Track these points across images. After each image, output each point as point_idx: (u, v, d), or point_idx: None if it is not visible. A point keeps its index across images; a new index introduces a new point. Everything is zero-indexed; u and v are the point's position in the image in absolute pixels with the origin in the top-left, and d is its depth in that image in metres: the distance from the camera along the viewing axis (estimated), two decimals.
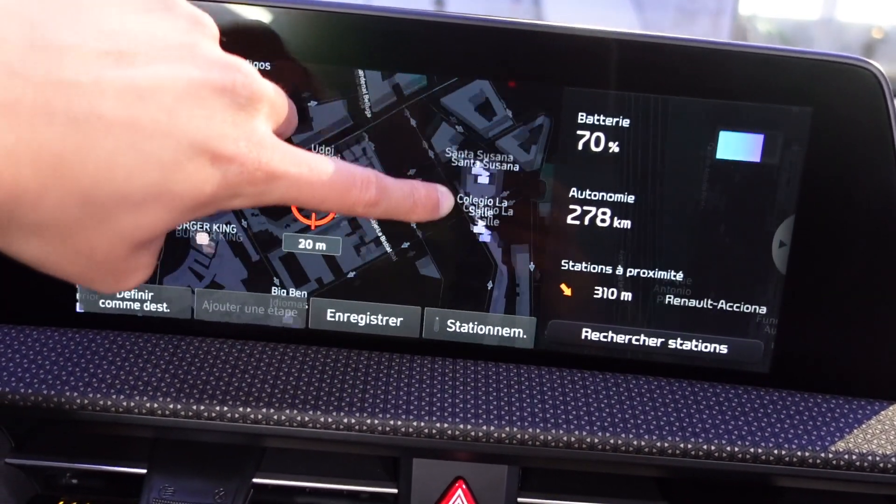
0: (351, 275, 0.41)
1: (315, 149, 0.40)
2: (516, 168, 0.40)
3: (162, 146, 0.25)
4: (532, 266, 0.41)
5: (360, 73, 0.39)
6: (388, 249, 0.41)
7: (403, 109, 0.40)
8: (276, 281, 0.41)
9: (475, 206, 0.40)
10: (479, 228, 0.41)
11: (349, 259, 0.41)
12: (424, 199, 0.34)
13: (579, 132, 0.40)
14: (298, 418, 0.38)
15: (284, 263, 0.41)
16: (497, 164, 0.40)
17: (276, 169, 0.28)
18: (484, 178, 0.40)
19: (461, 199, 0.40)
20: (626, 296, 0.41)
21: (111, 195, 0.25)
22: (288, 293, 0.42)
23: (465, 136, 0.40)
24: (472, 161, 0.40)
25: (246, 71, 0.28)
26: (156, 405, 0.38)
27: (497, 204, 0.40)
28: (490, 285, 0.41)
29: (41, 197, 0.24)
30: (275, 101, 0.29)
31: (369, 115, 0.40)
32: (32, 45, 0.23)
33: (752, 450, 0.38)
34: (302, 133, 0.40)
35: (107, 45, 0.25)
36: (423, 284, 0.41)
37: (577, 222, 0.41)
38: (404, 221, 0.33)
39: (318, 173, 0.29)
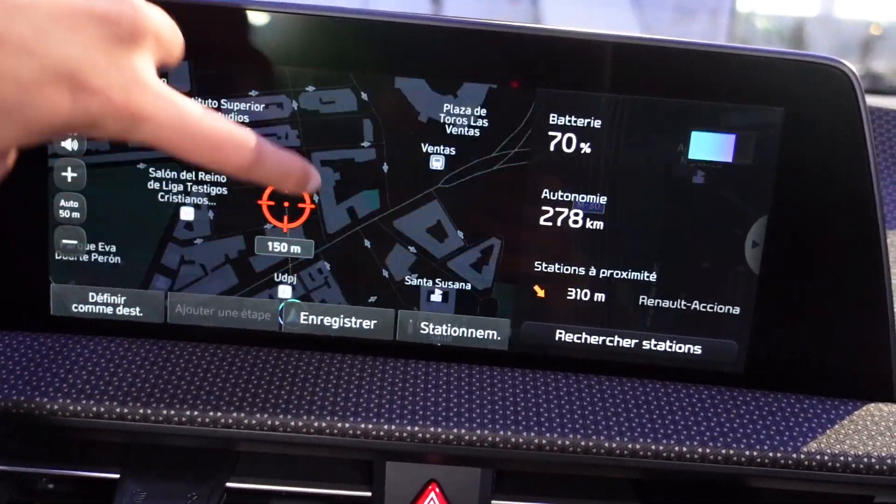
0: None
1: (277, 276, 0.41)
2: (468, 287, 0.41)
3: (23, 65, 0.24)
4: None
5: (316, 198, 0.40)
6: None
7: (358, 232, 0.40)
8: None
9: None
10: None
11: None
12: (298, 171, 0.32)
13: (551, 133, 0.40)
14: (269, 422, 0.38)
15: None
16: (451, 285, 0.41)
17: (144, 110, 0.27)
18: (437, 298, 0.41)
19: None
20: (600, 297, 0.41)
21: None
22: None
23: (417, 258, 0.40)
24: (428, 283, 0.41)
25: (135, 4, 0.27)
26: (126, 410, 0.38)
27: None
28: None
29: None
30: (161, 35, 0.28)
31: (324, 238, 0.40)
32: None
33: (723, 451, 0.38)
34: None
35: None
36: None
37: (550, 223, 0.41)
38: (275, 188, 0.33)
39: (189, 122, 0.28)
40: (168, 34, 0.29)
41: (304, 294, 0.41)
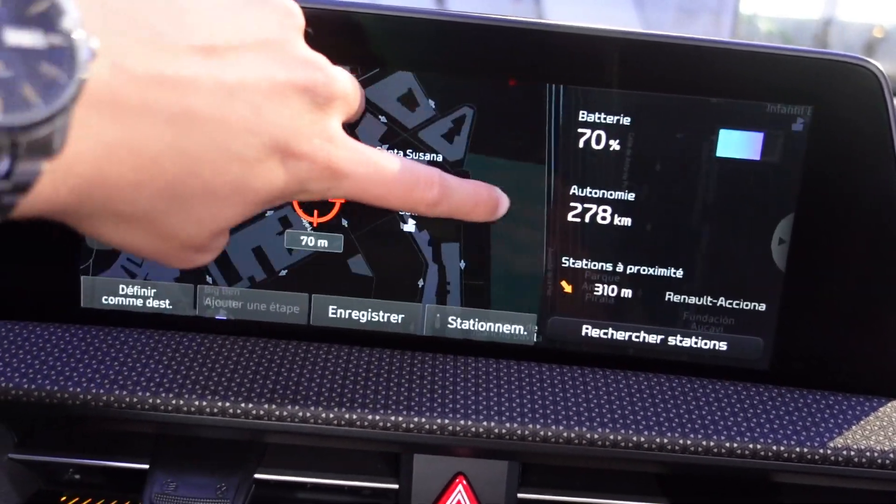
0: (282, 273, 0.42)
1: None
2: (439, 159, 0.40)
3: (246, 144, 0.26)
4: (463, 264, 0.41)
5: None
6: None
7: None
8: (209, 279, 0.42)
9: None
10: (409, 227, 0.41)
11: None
12: (486, 199, 0.35)
13: (580, 130, 0.40)
14: (300, 414, 0.38)
15: (216, 260, 0.41)
16: (421, 157, 0.40)
17: (343, 167, 0.29)
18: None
19: None
20: (627, 293, 0.42)
21: (197, 190, 0.26)
22: (220, 290, 0.42)
23: (388, 128, 0.40)
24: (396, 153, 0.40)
25: (327, 70, 0.29)
26: (158, 401, 0.38)
27: None
28: (421, 283, 0.42)
29: (136, 191, 0.25)
30: (349, 96, 0.30)
31: None
32: (136, 40, 0.24)
33: (750, 446, 0.38)
34: None
35: (203, 40, 0.25)
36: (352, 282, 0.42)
37: (578, 220, 0.41)
38: (463, 220, 0.35)
39: (382, 173, 0.30)
40: (353, 94, 0.31)
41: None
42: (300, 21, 0.29)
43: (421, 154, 0.40)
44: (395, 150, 0.40)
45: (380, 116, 0.39)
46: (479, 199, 0.35)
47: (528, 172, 0.40)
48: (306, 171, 0.28)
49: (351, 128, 0.39)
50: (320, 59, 0.29)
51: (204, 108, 0.25)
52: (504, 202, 0.36)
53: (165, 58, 0.24)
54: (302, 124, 0.27)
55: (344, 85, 0.30)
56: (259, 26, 0.27)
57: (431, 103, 0.40)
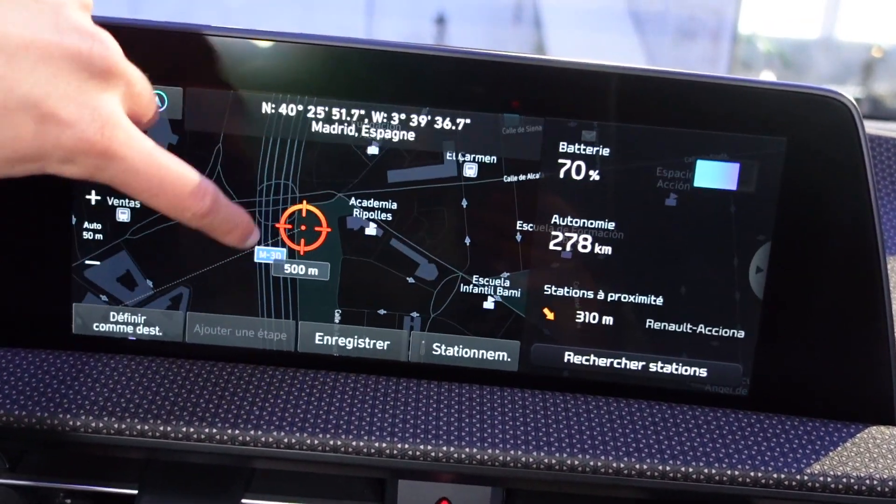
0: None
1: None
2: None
3: None
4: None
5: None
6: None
7: None
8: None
9: None
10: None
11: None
12: (245, 226, 0.34)
13: (560, 161, 0.41)
14: (286, 440, 0.39)
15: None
16: None
17: (115, 149, 0.27)
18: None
19: None
20: (608, 320, 0.42)
21: None
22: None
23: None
24: None
25: (107, 44, 0.28)
26: (146, 427, 0.39)
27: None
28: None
29: None
30: (134, 83, 0.29)
31: None
32: None
33: (728, 472, 0.38)
34: None
35: None
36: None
37: (560, 248, 0.42)
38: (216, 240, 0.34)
39: (157, 166, 0.29)
40: (140, 85, 0.30)
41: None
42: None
43: None
44: None
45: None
46: (237, 224, 0.33)
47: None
48: (71, 139, 0.26)
49: None
50: (104, 34, 0.28)
51: None
52: (256, 234, 0.35)
53: None
54: (68, 88, 0.26)
55: (128, 70, 0.28)
56: None
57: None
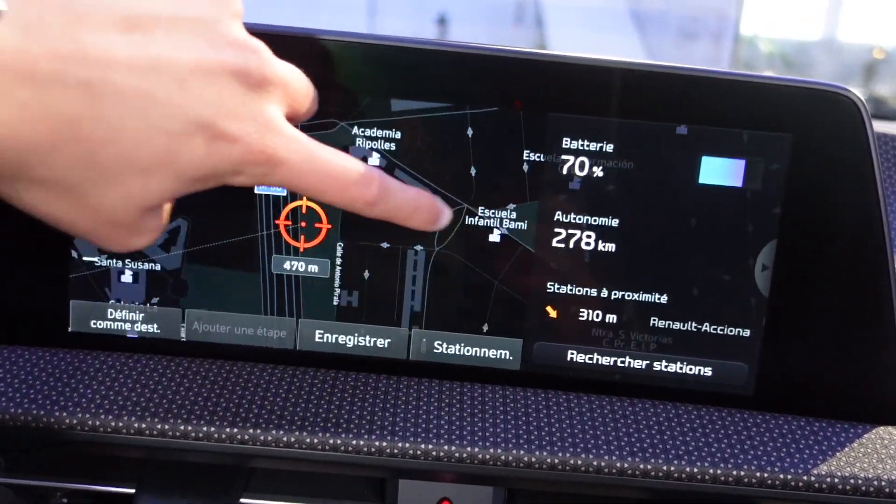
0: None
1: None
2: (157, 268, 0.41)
3: (170, 116, 0.26)
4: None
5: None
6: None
7: None
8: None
9: None
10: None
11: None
12: (427, 206, 0.33)
13: (563, 157, 0.40)
14: (285, 439, 0.38)
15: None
16: None
17: (278, 154, 0.28)
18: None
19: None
20: (611, 318, 0.42)
21: (118, 158, 0.26)
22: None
23: None
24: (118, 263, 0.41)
25: (261, 53, 0.28)
26: (144, 426, 0.38)
27: None
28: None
29: (51, 153, 0.25)
30: (289, 84, 0.30)
31: None
32: (52, 5, 0.24)
33: (734, 472, 0.38)
34: None
35: (125, 12, 0.25)
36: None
37: (563, 245, 0.41)
38: (400, 225, 0.33)
39: (320, 163, 0.30)
40: (295, 83, 0.31)
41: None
42: (235, 6, 0.29)
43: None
44: None
45: None
46: (420, 205, 0.33)
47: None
48: (239, 153, 0.28)
49: None
50: (256, 43, 0.28)
51: (122, 81, 0.25)
52: (446, 213, 0.34)
53: (80, 27, 0.24)
54: (232, 105, 0.27)
55: (283, 72, 0.29)
56: (190, 4, 0.27)
57: None
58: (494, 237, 0.41)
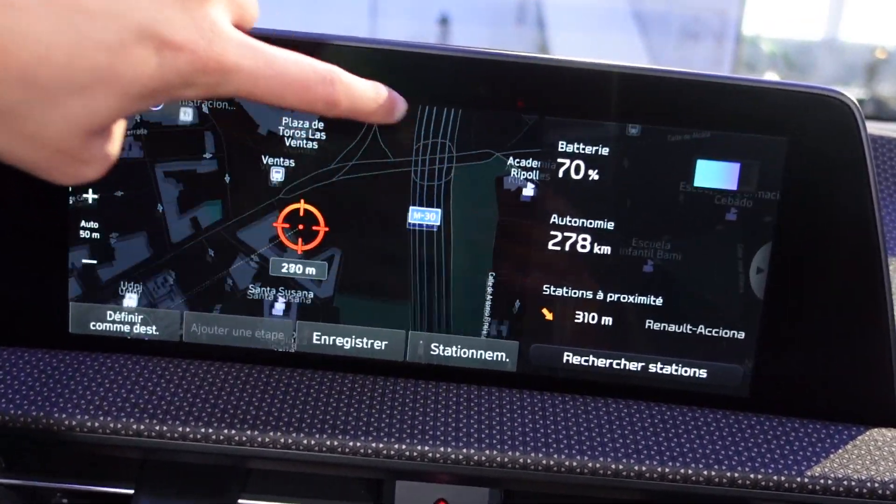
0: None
1: (122, 286, 0.42)
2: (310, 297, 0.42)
3: (106, 28, 0.24)
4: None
5: (160, 207, 0.41)
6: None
7: (202, 241, 0.41)
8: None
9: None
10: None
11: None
12: (386, 98, 0.33)
13: (560, 160, 0.41)
14: (282, 440, 0.39)
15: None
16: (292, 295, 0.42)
17: (230, 60, 0.27)
18: (280, 308, 0.42)
19: None
20: (607, 320, 0.42)
21: (53, 76, 0.24)
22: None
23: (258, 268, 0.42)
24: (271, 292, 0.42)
25: None
26: (142, 427, 0.39)
27: None
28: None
29: None
30: None
31: (169, 248, 0.42)
32: None
33: (728, 474, 0.38)
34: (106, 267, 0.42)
35: None
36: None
37: (559, 248, 0.41)
38: (359, 121, 0.33)
39: (275, 67, 0.28)
40: None
41: (150, 302, 0.42)
42: None
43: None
44: None
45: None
46: (379, 98, 0.32)
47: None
48: (187, 62, 0.26)
49: None
50: None
51: None
52: (401, 104, 0.34)
53: None
54: (174, 12, 0.26)
55: None
56: None
57: None
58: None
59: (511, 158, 0.40)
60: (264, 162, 0.41)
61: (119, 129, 0.28)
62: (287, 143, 0.41)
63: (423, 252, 0.41)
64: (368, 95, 0.32)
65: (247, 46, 0.28)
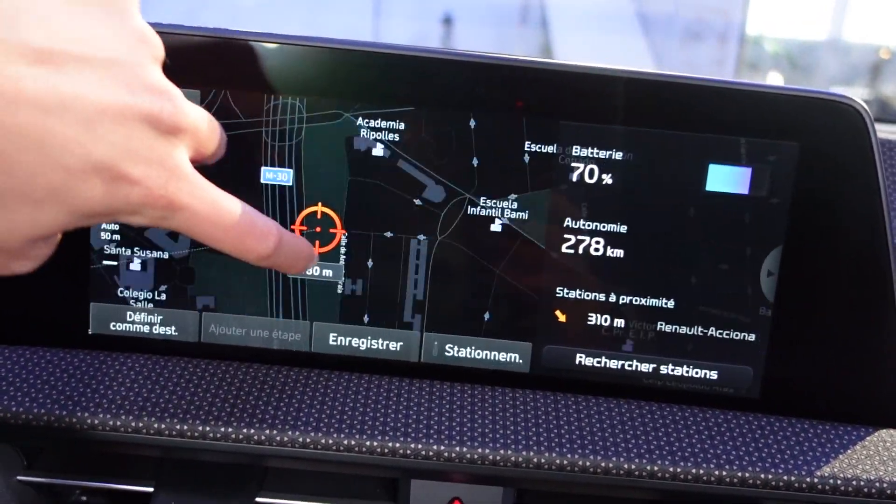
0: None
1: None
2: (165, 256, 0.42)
3: (71, 155, 0.25)
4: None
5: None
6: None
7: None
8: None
9: None
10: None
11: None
12: (307, 256, 0.35)
13: (574, 164, 0.41)
14: (301, 439, 0.39)
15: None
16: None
17: (179, 200, 0.28)
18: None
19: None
20: (619, 322, 0.43)
21: (8, 189, 0.25)
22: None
23: None
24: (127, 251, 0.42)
25: (176, 100, 0.28)
26: (163, 426, 0.39)
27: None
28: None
29: None
30: (199, 130, 0.30)
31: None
32: None
33: (739, 474, 0.39)
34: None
35: (39, 44, 0.25)
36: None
37: (572, 251, 0.42)
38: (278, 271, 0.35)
39: (219, 214, 0.30)
40: (205, 129, 0.31)
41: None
42: (157, 51, 0.29)
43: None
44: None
45: None
46: (301, 256, 0.34)
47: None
48: (138, 195, 0.27)
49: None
50: (170, 88, 0.28)
51: (25, 117, 0.25)
52: (314, 259, 0.36)
53: None
54: (138, 149, 0.27)
55: (195, 118, 0.29)
56: (109, 44, 0.26)
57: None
58: (496, 226, 0.42)
59: (361, 119, 0.41)
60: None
61: (56, 238, 0.29)
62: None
63: (275, 210, 0.42)
64: (294, 254, 0.34)
65: (199, 189, 0.29)
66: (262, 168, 0.41)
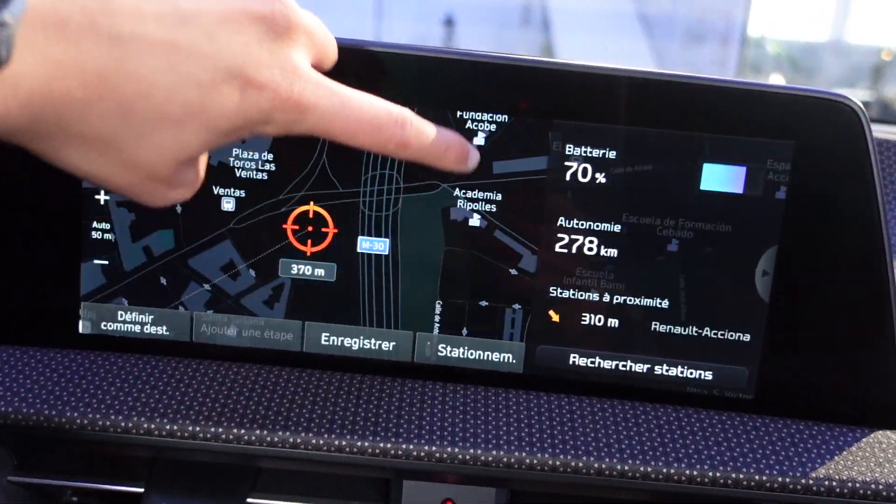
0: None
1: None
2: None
3: (200, 67, 0.26)
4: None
5: (178, 208, 0.42)
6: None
7: (155, 270, 0.42)
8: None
9: None
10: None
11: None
12: (458, 146, 0.34)
13: (567, 163, 0.41)
14: (291, 440, 0.39)
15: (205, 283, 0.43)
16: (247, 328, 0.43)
17: (307, 100, 0.29)
18: (232, 332, 0.43)
19: None
20: (613, 322, 0.42)
21: (151, 112, 0.26)
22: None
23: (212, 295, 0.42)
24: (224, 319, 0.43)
25: (286, 1, 0.29)
26: (153, 426, 0.39)
27: None
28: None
29: (86, 108, 0.25)
30: (313, 32, 0.30)
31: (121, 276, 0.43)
32: None
33: (733, 475, 0.38)
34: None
35: None
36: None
37: (566, 251, 0.42)
38: (431, 166, 0.33)
39: (350, 107, 0.30)
40: (320, 33, 0.31)
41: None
42: None
43: None
44: None
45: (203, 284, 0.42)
46: (451, 144, 0.33)
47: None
48: (268, 100, 0.28)
49: None
50: None
51: (152, 33, 0.25)
52: (474, 154, 0.35)
53: None
54: (260, 53, 0.27)
55: (307, 20, 0.30)
56: None
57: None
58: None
59: (457, 190, 0.41)
60: (215, 192, 0.41)
61: (204, 158, 0.30)
62: (237, 174, 0.41)
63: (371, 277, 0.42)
64: (439, 141, 0.33)
65: (324, 87, 0.29)
66: (360, 238, 0.42)
